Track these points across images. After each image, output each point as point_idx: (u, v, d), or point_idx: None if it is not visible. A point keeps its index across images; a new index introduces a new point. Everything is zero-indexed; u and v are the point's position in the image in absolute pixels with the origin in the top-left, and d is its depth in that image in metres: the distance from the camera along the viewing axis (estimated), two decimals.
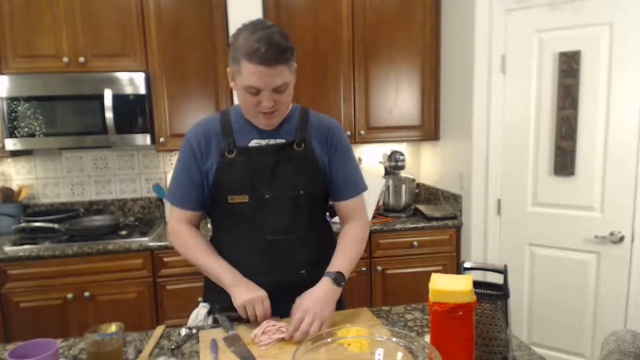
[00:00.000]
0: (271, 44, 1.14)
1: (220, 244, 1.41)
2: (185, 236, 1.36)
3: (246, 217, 1.33)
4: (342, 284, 1.27)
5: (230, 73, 1.25)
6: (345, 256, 1.33)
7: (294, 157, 1.33)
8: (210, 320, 1.39)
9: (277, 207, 1.32)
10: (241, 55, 1.16)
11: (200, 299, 1.48)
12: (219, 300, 1.32)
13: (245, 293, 1.23)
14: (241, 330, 1.23)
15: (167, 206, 1.41)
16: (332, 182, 1.39)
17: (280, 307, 1.27)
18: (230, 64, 1.23)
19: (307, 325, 1.15)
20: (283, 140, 1.33)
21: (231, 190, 1.31)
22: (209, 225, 1.49)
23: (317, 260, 1.36)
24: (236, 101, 2.52)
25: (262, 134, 1.33)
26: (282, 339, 1.16)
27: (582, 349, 2.24)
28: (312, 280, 1.28)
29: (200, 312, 1.41)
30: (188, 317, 1.44)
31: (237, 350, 1.12)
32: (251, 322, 1.23)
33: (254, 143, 1.32)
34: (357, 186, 1.43)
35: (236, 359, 1.08)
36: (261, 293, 1.23)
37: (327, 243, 1.43)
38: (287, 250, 1.35)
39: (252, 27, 1.18)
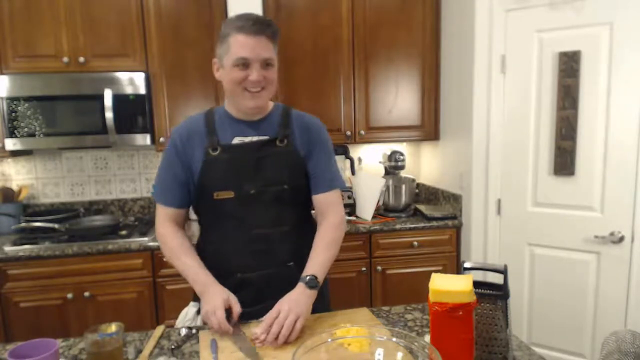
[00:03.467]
0: (257, 18, 1.26)
1: (208, 242, 1.43)
2: (167, 236, 1.38)
3: (232, 212, 1.35)
4: (316, 287, 1.27)
5: (217, 62, 1.33)
6: (318, 259, 1.33)
7: (276, 153, 1.36)
8: (199, 320, 1.40)
9: (262, 201, 1.35)
10: (230, 30, 1.25)
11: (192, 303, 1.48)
12: None
13: (205, 304, 1.23)
14: (247, 328, 1.24)
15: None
16: (309, 176, 1.41)
17: (271, 302, 1.27)
18: (218, 50, 1.31)
19: (283, 318, 1.15)
20: (266, 137, 1.36)
21: (216, 187, 1.34)
22: (194, 226, 1.49)
23: (305, 251, 1.37)
24: None
25: (245, 131, 1.36)
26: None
27: (582, 349, 2.24)
28: (300, 272, 1.30)
29: (189, 312, 1.43)
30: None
31: (244, 347, 1.13)
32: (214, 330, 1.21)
33: (237, 140, 1.35)
34: (332, 182, 1.43)
35: (236, 359, 1.09)
36: (214, 303, 1.20)
37: (313, 235, 1.43)
38: (273, 243, 1.37)
39: (239, 14, 1.29)
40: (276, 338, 1.13)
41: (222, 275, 1.32)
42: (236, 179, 1.33)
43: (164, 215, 1.40)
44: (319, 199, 1.42)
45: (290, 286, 1.26)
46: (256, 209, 1.35)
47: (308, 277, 1.27)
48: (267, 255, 1.37)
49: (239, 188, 1.33)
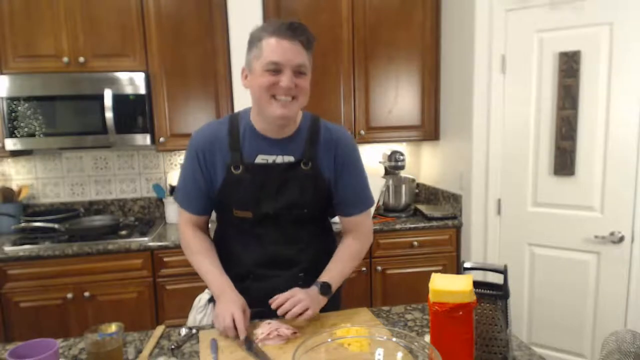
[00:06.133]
0: (292, 23, 1.19)
1: (224, 245, 1.42)
2: (188, 237, 1.39)
3: (249, 230, 1.35)
4: (328, 294, 1.28)
5: (245, 69, 1.26)
6: (337, 268, 1.34)
7: (300, 177, 1.31)
8: (210, 308, 1.41)
9: (280, 223, 1.33)
10: (264, 34, 1.19)
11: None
12: None
13: (219, 308, 1.22)
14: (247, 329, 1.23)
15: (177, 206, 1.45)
16: (339, 198, 1.38)
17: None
18: (247, 56, 1.25)
19: (297, 300, 1.19)
20: (291, 158, 1.30)
21: (236, 206, 1.32)
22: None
23: (316, 263, 1.37)
24: (237, 102, 2.54)
25: (269, 149, 1.30)
26: (286, 339, 1.17)
27: (582, 349, 2.24)
28: (310, 282, 1.31)
29: (202, 297, 1.45)
30: (188, 317, 1.46)
31: (253, 352, 1.12)
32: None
33: (260, 159, 1.30)
34: (364, 203, 1.41)
35: (236, 359, 1.08)
36: (226, 310, 1.19)
37: (328, 248, 1.45)
38: (287, 259, 1.37)
39: (272, 20, 1.26)
40: (275, 336, 1.16)
41: (233, 276, 1.32)
42: (256, 201, 1.30)
43: (186, 218, 1.40)
44: (351, 220, 1.41)
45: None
46: (273, 229, 1.33)
47: (322, 284, 1.27)
48: (280, 269, 1.37)
49: (258, 209, 1.31)
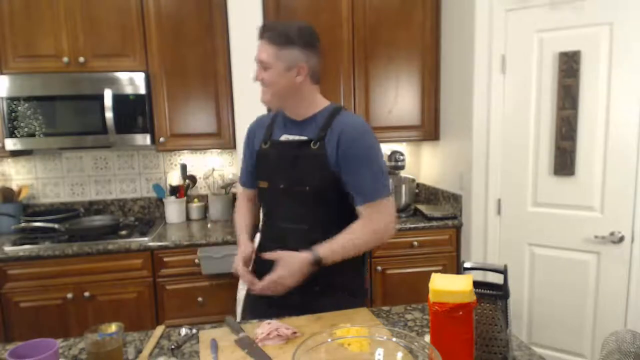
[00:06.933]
0: (269, 23, 1.39)
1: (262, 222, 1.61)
2: (237, 206, 1.68)
3: (266, 202, 1.54)
4: (315, 268, 1.33)
5: None
6: (338, 244, 1.35)
7: (308, 155, 1.40)
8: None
9: (288, 198, 1.43)
10: None
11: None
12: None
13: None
14: (247, 330, 1.24)
15: None
16: (348, 188, 1.39)
17: (282, 298, 1.35)
18: None
19: (275, 285, 1.32)
20: (304, 138, 1.42)
21: (260, 176, 1.51)
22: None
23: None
24: (237, 102, 2.54)
25: (291, 130, 1.46)
26: (286, 339, 1.17)
27: (582, 349, 2.24)
28: (312, 275, 1.34)
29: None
30: (188, 317, 1.48)
31: (253, 352, 1.11)
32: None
33: (284, 137, 1.47)
34: (368, 195, 1.37)
35: (236, 359, 1.08)
36: (235, 260, 1.45)
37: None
38: (292, 240, 1.41)
39: None
40: (275, 336, 1.18)
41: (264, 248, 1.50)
42: (273, 173, 1.46)
43: (241, 192, 1.68)
44: (359, 210, 1.40)
45: (300, 286, 1.33)
46: (282, 204, 1.45)
47: (316, 257, 1.31)
48: (283, 249, 1.38)
49: (273, 181, 1.46)
